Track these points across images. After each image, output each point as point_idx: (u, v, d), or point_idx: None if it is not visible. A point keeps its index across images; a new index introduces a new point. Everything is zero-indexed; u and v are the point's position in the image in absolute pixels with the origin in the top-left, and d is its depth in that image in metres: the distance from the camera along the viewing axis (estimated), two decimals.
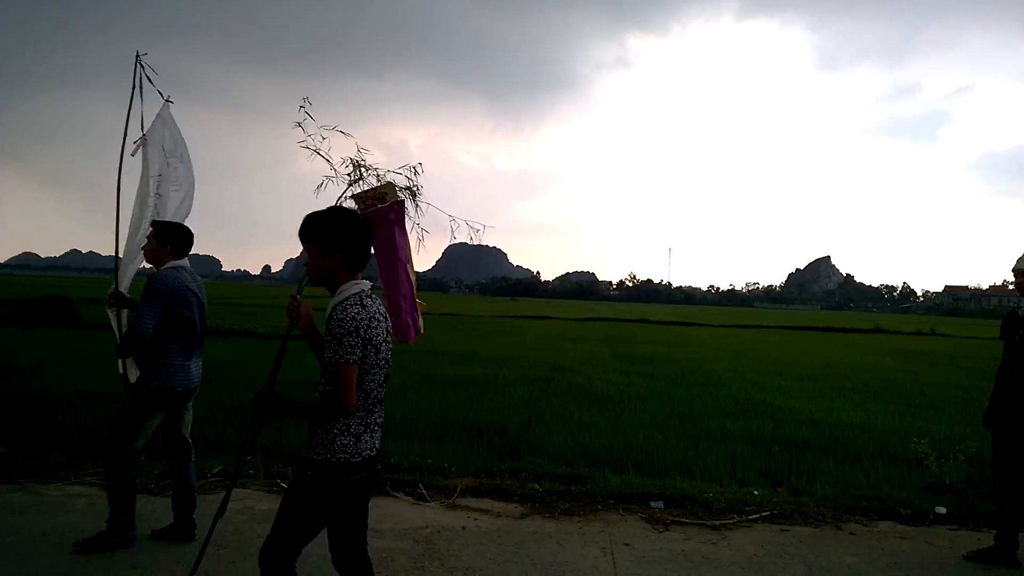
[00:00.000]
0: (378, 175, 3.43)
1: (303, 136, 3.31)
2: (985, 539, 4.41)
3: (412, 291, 3.68)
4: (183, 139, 4.57)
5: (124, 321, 4.29)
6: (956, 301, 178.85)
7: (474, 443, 6.78)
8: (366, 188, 3.42)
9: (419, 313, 3.73)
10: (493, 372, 12.34)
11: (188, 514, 4.13)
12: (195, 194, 4.57)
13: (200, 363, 4.20)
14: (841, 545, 4.46)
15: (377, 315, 2.56)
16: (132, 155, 4.22)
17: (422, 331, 3.75)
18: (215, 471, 5.38)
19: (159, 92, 4.45)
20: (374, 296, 2.64)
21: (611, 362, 15.87)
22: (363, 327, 2.46)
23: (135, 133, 4.28)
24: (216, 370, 10.61)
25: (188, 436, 4.23)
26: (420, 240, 3.67)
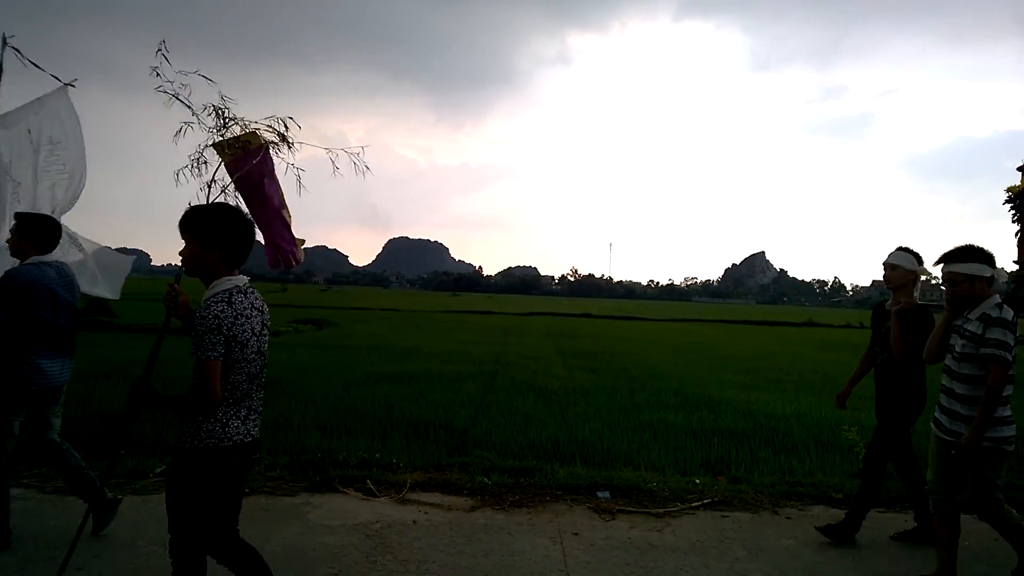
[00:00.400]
0: (243, 124, 3.28)
1: (161, 82, 3.06)
2: (911, 520, 4.66)
3: (288, 229, 3.82)
4: (78, 124, 4.33)
5: None
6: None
7: (421, 438, 6.77)
8: (228, 137, 3.29)
9: (297, 246, 3.92)
10: (437, 367, 12.33)
11: (97, 502, 3.76)
12: (92, 184, 4.34)
13: (66, 362, 3.95)
14: (778, 529, 4.65)
15: (246, 311, 2.54)
16: None
17: (301, 260, 3.94)
18: (157, 471, 5.23)
19: (54, 76, 4.23)
20: (249, 290, 2.61)
21: (555, 356, 16.03)
22: (226, 324, 2.46)
23: None
24: None
25: (57, 438, 3.95)
26: (298, 178, 3.47)
